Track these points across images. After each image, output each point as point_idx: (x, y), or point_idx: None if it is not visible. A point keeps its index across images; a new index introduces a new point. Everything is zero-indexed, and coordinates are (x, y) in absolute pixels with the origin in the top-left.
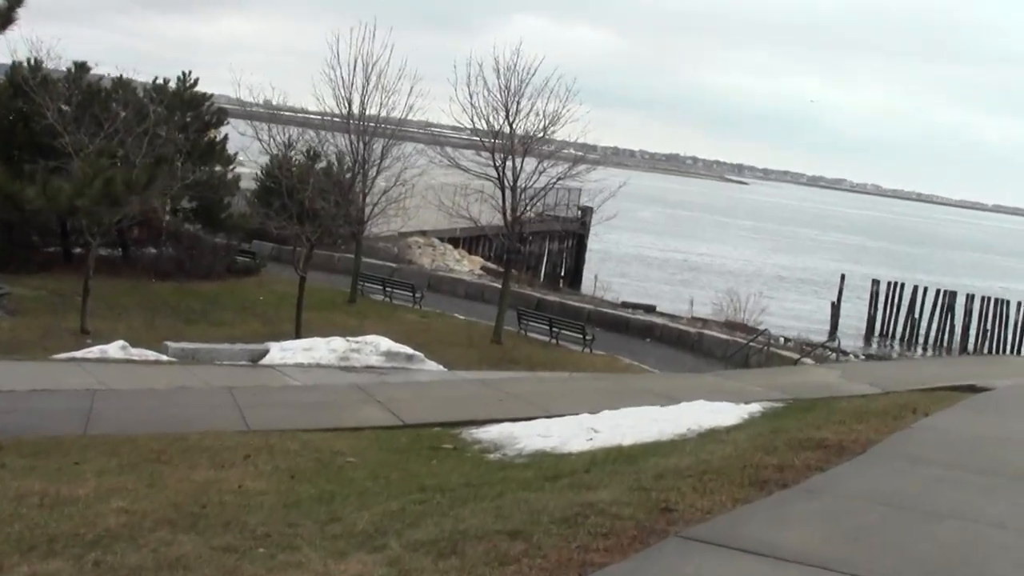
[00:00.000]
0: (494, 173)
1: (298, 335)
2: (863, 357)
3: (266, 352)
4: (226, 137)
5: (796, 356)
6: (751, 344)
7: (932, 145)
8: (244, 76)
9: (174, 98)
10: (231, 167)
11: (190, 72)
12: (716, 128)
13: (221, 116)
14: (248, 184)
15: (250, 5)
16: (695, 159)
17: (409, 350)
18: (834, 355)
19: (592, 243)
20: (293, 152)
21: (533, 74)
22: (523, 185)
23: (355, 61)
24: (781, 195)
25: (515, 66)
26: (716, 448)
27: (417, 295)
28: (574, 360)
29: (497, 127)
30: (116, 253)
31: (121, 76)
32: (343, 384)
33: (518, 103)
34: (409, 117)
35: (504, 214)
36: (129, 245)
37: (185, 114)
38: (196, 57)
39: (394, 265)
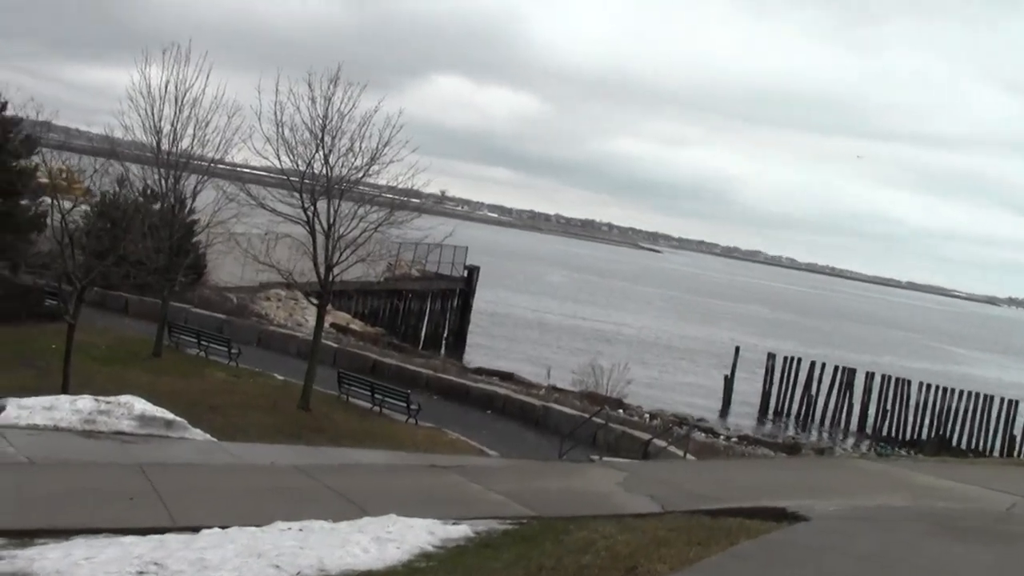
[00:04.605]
0: (304, 216)
1: (64, 390)
2: (735, 439)
3: (2, 409)
4: (36, 167)
5: (647, 436)
6: (594, 419)
7: (845, 222)
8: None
9: None
10: (39, 200)
11: None
12: (631, 196)
13: (30, 144)
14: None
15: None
16: (610, 226)
17: (169, 415)
18: (700, 434)
19: (489, 306)
20: (123, 189)
21: (352, 107)
22: (339, 232)
23: (166, 86)
24: (694, 264)
25: (331, 97)
26: None
27: (233, 351)
28: (392, 432)
29: (307, 162)
30: None
31: None
32: None
33: (334, 138)
34: (226, 156)
35: (315, 262)
36: None
37: None
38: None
39: (224, 317)
